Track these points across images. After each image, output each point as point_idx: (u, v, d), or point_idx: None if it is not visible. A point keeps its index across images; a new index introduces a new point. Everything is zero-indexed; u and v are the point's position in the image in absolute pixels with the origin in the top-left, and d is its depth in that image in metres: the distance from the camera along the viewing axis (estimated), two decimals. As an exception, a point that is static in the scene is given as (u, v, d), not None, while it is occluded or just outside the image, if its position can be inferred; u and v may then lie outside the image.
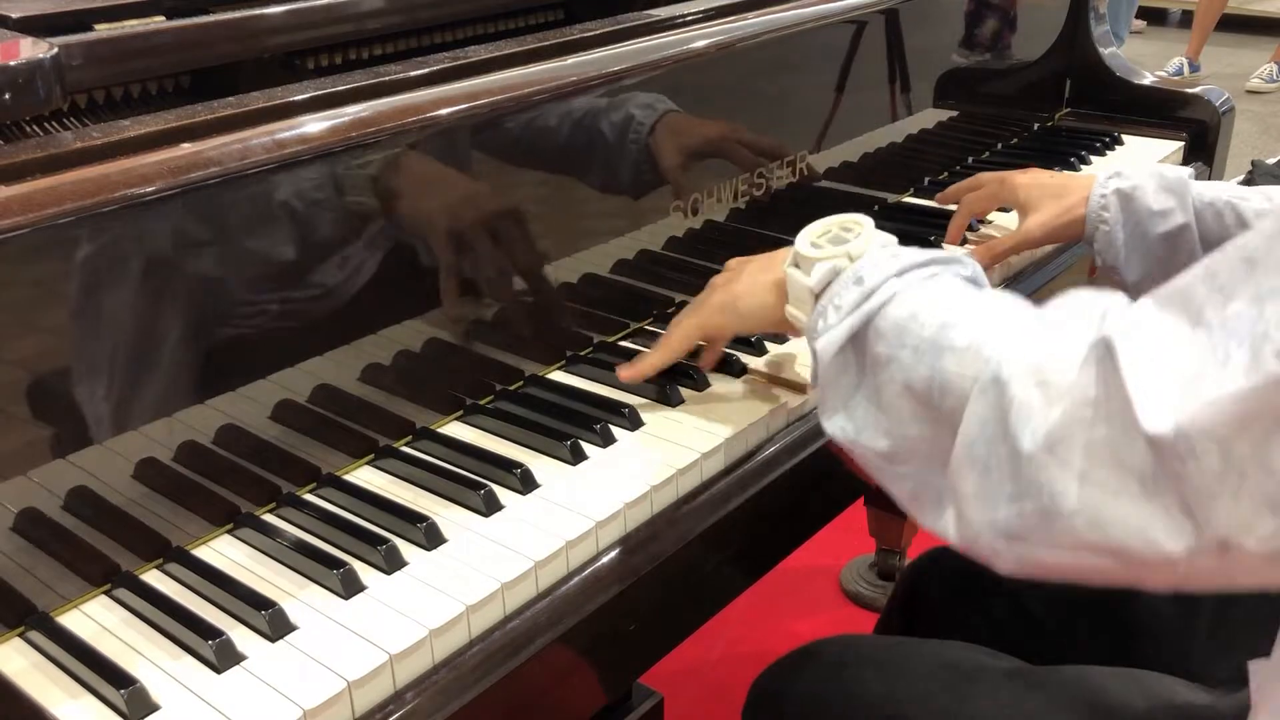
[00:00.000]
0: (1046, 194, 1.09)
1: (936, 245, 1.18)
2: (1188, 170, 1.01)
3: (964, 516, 0.60)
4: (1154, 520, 0.51)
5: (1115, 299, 0.58)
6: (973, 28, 1.40)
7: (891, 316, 0.68)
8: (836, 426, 0.72)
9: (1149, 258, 1.01)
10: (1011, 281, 1.16)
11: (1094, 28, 1.55)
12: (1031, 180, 1.12)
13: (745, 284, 0.87)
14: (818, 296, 0.75)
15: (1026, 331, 0.60)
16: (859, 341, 0.70)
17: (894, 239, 0.77)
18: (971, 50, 1.40)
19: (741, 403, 0.89)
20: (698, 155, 1.04)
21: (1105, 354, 0.53)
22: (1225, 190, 0.98)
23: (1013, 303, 0.66)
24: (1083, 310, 0.59)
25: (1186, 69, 4.86)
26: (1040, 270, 1.19)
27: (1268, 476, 0.48)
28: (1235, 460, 0.48)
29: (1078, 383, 0.54)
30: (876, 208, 1.29)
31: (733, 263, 0.92)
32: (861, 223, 0.79)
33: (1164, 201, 0.99)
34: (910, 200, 1.33)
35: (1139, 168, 1.03)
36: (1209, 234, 0.98)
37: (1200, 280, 0.52)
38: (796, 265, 0.79)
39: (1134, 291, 1.05)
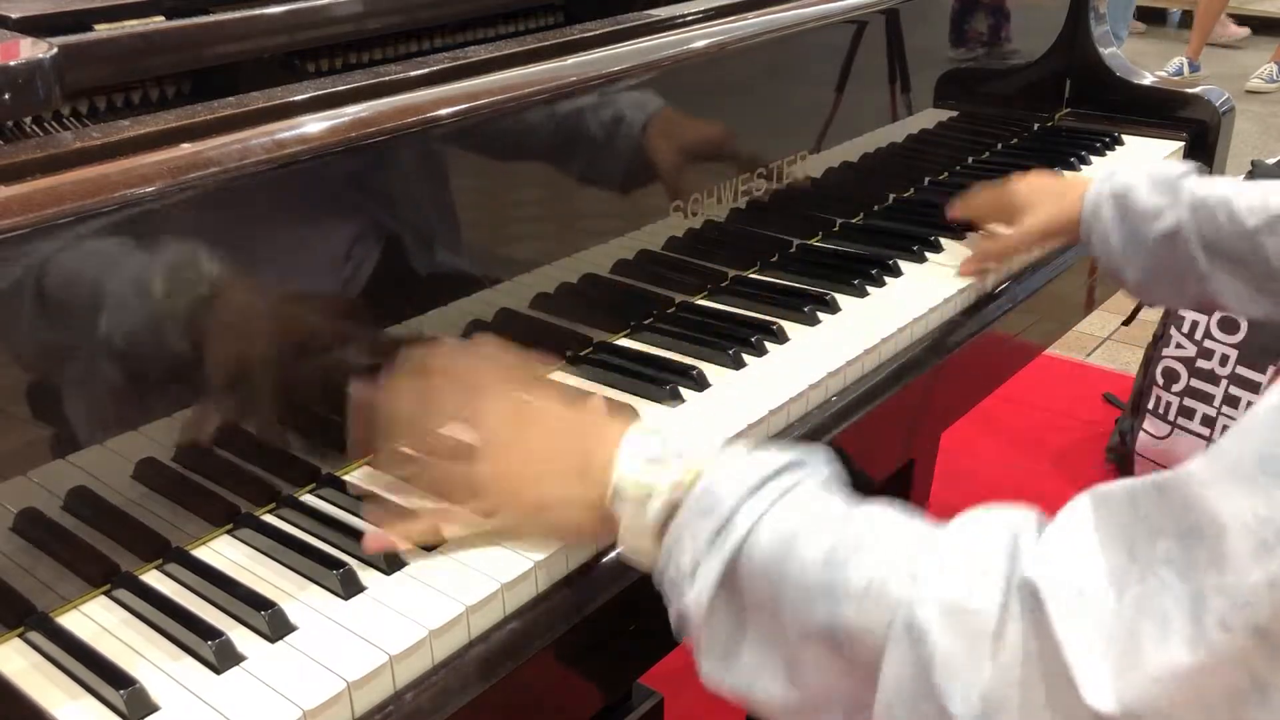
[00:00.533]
0: (1045, 195, 1.08)
1: (936, 246, 1.18)
2: (1184, 166, 1.00)
3: None
4: None
5: (1024, 519, 0.53)
6: (973, 27, 1.39)
7: (762, 552, 0.59)
8: (720, 678, 0.62)
9: (1148, 259, 1.00)
10: (1014, 281, 1.16)
11: (1094, 28, 1.55)
12: (1031, 182, 1.11)
13: (552, 492, 0.70)
14: (661, 533, 0.64)
15: (930, 560, 0.54)
16: (728, 584, 0.60)
17: (727, 451, 0.66)
18: (971, 50, 1.40)
19: (743, 403, 0.89)
20: (689, 155, 1.03)
21: (1033, 604, 0.48)
22: (1223, 186, 0.97)
23: (893, 518, 0.59)
24: (990, 534, 0.53)
25: (1186, 69, 4.86)
26: (1038, 271, 1.19)
27: None
28: None
29: (1006, 636, 0.49)
30: (876, 208, 1.29)
31: (495, 413, 0.73)
32: (681, 434, 0.68)
33: (1156, 200, 0.98)
34: (910, 198, 1.33)
35: (1135, 167, 1.02)
36: (1202, 232, 0.96)
37: (1124, 502, 0.48)
38: (622, 501, 0.66)
39: (1136, 291, 1.05)
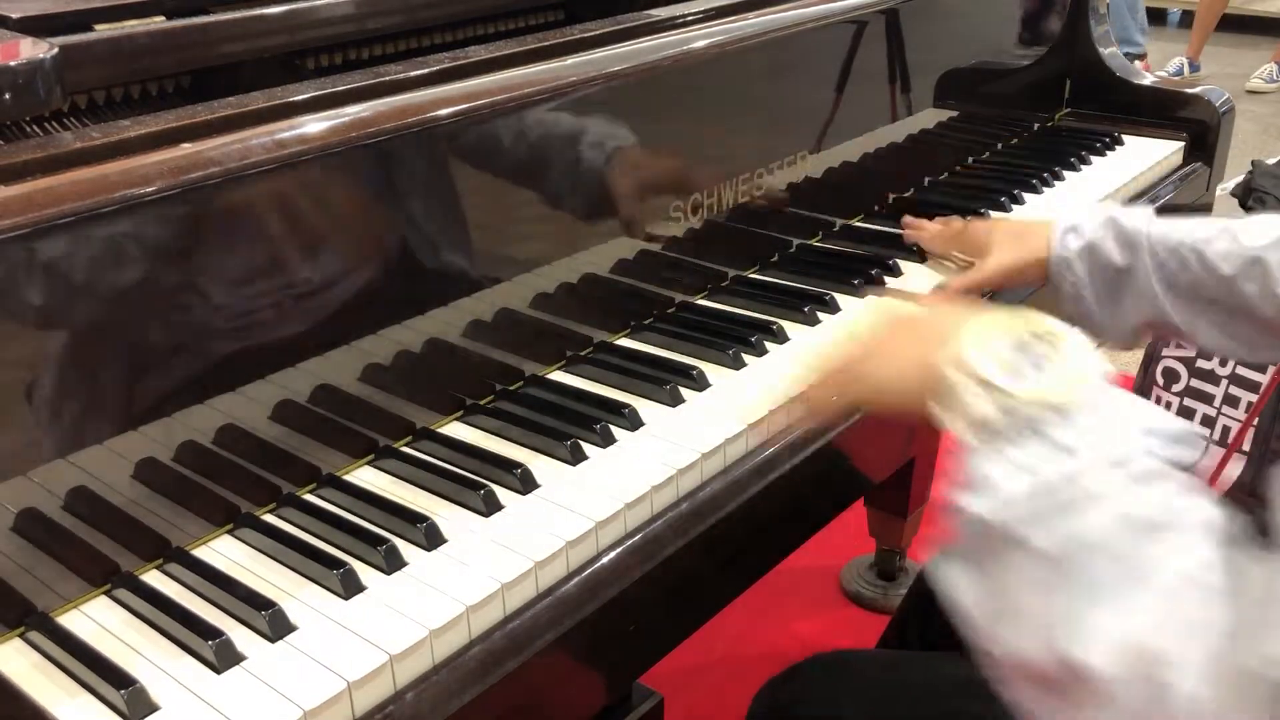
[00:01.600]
0: (1007, 237, 1.08)
1: (920, 254, 1.18)
2: (1145, 215, 0.99)
3: None
4: None
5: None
6: (973, 27, 1.40)
7: (1092, 526, 0.54)
8: (954, 580, 0.59)
9: (1116, 308, 1.00)
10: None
11: (1094, 28, 1.55)
12: (994, 224, 1.12)
13: (889, 351, 0.72)
14: (990, 429, 0.59)
15: (1215, 631, 0.51)
16: (1026, 525, 0.56)
17: (1106, 368, 0.60)
18: (971, 50, 1.40)
19: (743, 403, 0.89)
20: (690, 155, 1.03)
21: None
22: (1189, 232, 0.96)
23: (1212, 557, 0.53)
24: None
25: (1187, 69, 4.86)
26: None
27: None
28: None
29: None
30: (876, 208, 1.29)
31: (901, 325, 0.74)
32: (1060, 338, 0.61)
33: (1123, 254, 0.98)
34: (909, 198, 1.33)
35: (1096, 216, 1.01)
36: (1176, 280, 0.96)
37: None
38: (968, 379, 0.61)
39: (1100, 336, 1.03)
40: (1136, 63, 1.61)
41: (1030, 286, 1.09)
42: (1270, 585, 0.51)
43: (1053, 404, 0.58)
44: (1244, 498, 1.40)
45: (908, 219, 1.19)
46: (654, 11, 1.01)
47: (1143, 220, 0.98)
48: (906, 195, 1.34)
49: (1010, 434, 0.58)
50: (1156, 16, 5.93)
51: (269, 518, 0.77)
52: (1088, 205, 1.03)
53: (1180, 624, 0.51)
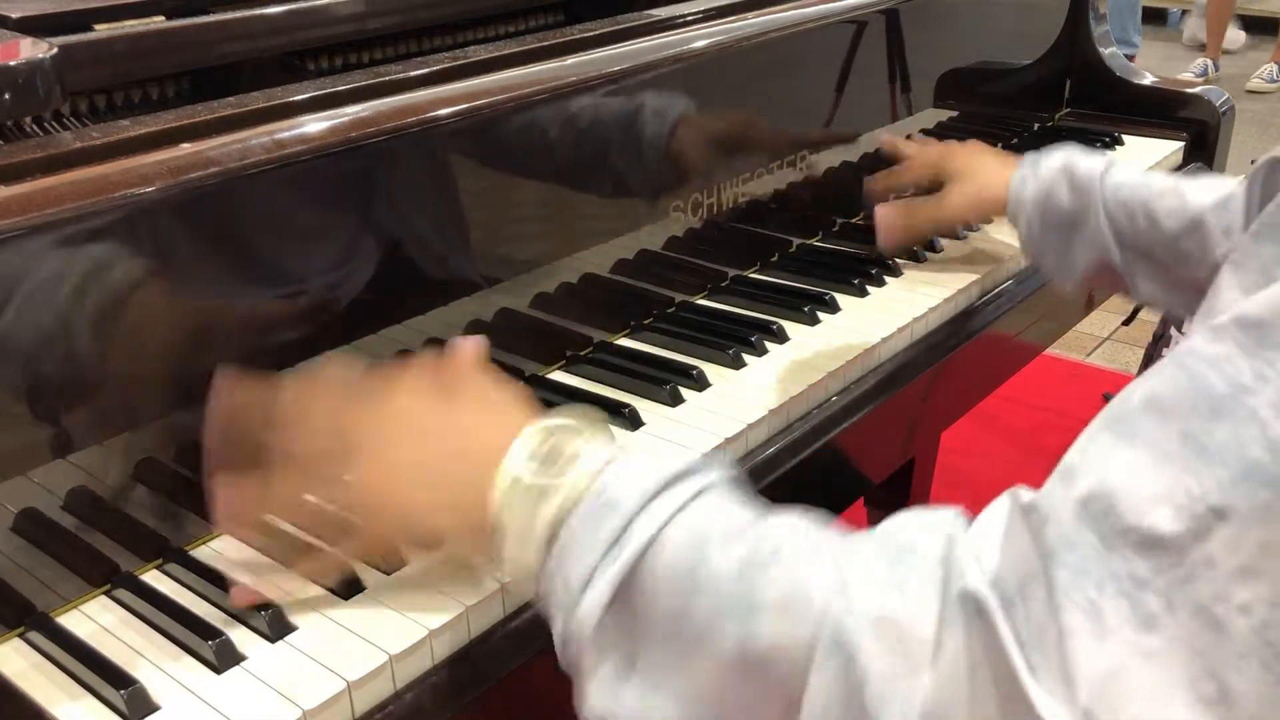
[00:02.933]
0: (972, 171, 1.11)
1: (935, 246, 1.18)
2: (1101, 162, 1.01)
3: None
4: None
5: (953, 521, 0.50)
6: (973, 27, 1.39)
7: (665, 564, 0.53)
8: (612, 710, 0.55)
9: (1065, 253, 1.03)
10: (1014, 281, 1.16)
11: (1094, 28, 1.55)
12: (964, 156, 1.14)
13: (422, 499, 0.63)
14: (549, 545, 0.57)
15: (857, 569, 0.50)
16: (625, 595, 0.54)
17: (624, 445, 0.61)
18: (972, 50, 1.40)
19: (743, 403, 0.89)
20: (710, 155, 1.04)
21: (975, 613, 0.45)
22: (1140, 187, 0.98)
23: (811, 526, 0.54)
24: (920, 540, 0.50)
25: (1211, 69, 4.88)
26: (1038, 272, 1.19)
27: None
28: None
29: (945, 648, 0.45)
30: (862, 215, 1.28)
31: (402, 397, 0.66)
32: (578, 436, 0.60)
33: (1074, 201, 1.01)
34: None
35: (1054, 160, 1.03)
36: (1124, 233, 0.98)
37: (1043, 503, 0.46)
38: (507, 507, 0.59)
39: (1057, 279, 1.06)
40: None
41: (983, 220, 1.16)
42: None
43: (577, 494, 0.57)
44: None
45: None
46: (654, 11, 1.01)
47: (1098, 167, 1.00)
48: (906, 195, 1.33)
49: (563, 532, 0.57)
50: (1157, 16, 5.93)
51: (269, 518, 0.77)
52: (1048, 149, 1.05)
53: (822, 576, 0.50)
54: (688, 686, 0.53)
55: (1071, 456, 0.47)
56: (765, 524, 0.55)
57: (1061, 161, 1.02)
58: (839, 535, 0.53)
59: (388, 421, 0.65)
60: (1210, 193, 0.93)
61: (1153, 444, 0.43)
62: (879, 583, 0.48)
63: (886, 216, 1.13)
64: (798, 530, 0.54)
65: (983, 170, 1.11)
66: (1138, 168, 1.41)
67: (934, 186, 1.16)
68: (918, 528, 0.51)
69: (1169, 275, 0.96)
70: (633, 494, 0.56)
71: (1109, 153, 1.05)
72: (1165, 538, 0.42)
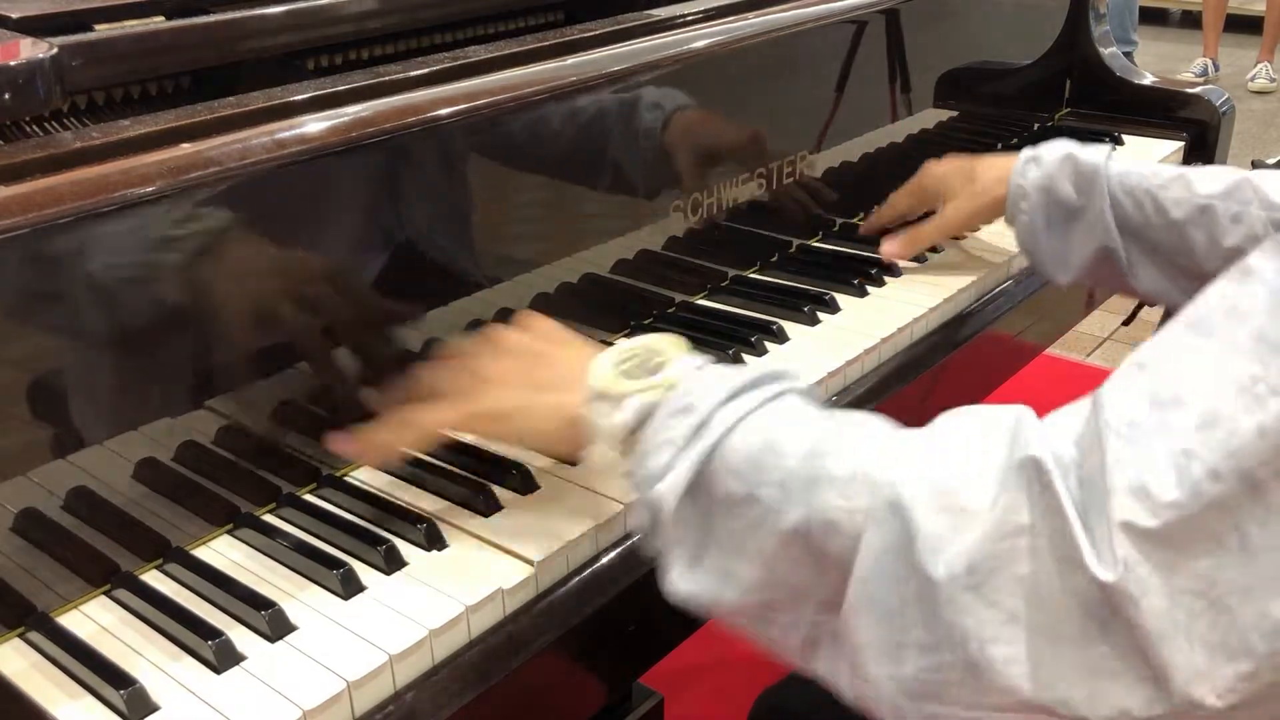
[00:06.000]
0: (960, 179, 1.10)
1: (936, 246, 1.18)
2: (1103, 151, 1.00)
3: (861, 670, 0.52)
4: (1105, 670, 0.45)
5: (1023, 413, 0.52)
6: (973, 27, 1.39)
7: (740, 448, 0.58)
8: (687, 588, 0.60)
9: (1065, 244, 1.02)
10: (1014, 281, 1.16)
11: (1094, 28, 1.55)
12: (946, 168, 1.13)
13: (527, 401, 0.71)
14: (632, 436, 0.64)
15: (921, 449, 0.53)
16: (701, 482, 0.59)
17: (709, 359, 0.66)
18: (971, 50, 1.40)
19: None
20: (709, 152, 1.04)
21: (1035, 477, 0.47)
22: (1146, 176, 0.97)
23: (880, 420, 0.58)
24: (987, 424, 0.52)
25: (1211, 69, 4.88)
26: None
27: (1218, 614, 0.44)
28: (1180, 596, 0.44)
29: (1002, 505, 0.47)
30: (876, 208, 1.28)
31: (500, 342, 0.75)
32: (666, 349, 0.68)
33: (1077, 189, 0.99)
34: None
35: (1055, 150, 1.02)
36: (1129, 221, 0.97)
37: (1119, 383, 0.49)
38: (598, 401, 0.66)
39: (1045, 269, 1.05)
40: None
41: (987, 223, 1.13)
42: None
43: (668, 385, 0.64)
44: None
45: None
46: (654, 11, 1.01)
47: (1101, 155, 0.99)
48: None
49: (648, 427, 0.63)
50: (1157, 16, 5.93)
51: (269, 518, 0.77)
52: (1048, 141, 1.04)
53: (886, 453, 0.54)
54: (753, 564, 0.57)
55: (1146, 349, 0.49)
56: (836, 417, 0.59)
57: (1064, 150, 1.02)
58: (908, 429, 0.56)
59: (488, 369, 0.73)
60: (1218, 181, 0.92)
61: (1228, 340, 0.46)
62: (939, 456, 0.51)
63: (892, 253, 1.12)
64: (868, 421, 0.58)
65: (972, 176, 1.10)
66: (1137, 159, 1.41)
67: (924, 211, 1.15)
68: (981, 415, 0.54)
69: (1174, 265, 0.96)
70: (713, 395, 0.60)
71: (1109, 144, 1.04)
72: (1223, 415, 0.44)
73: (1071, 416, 0.50)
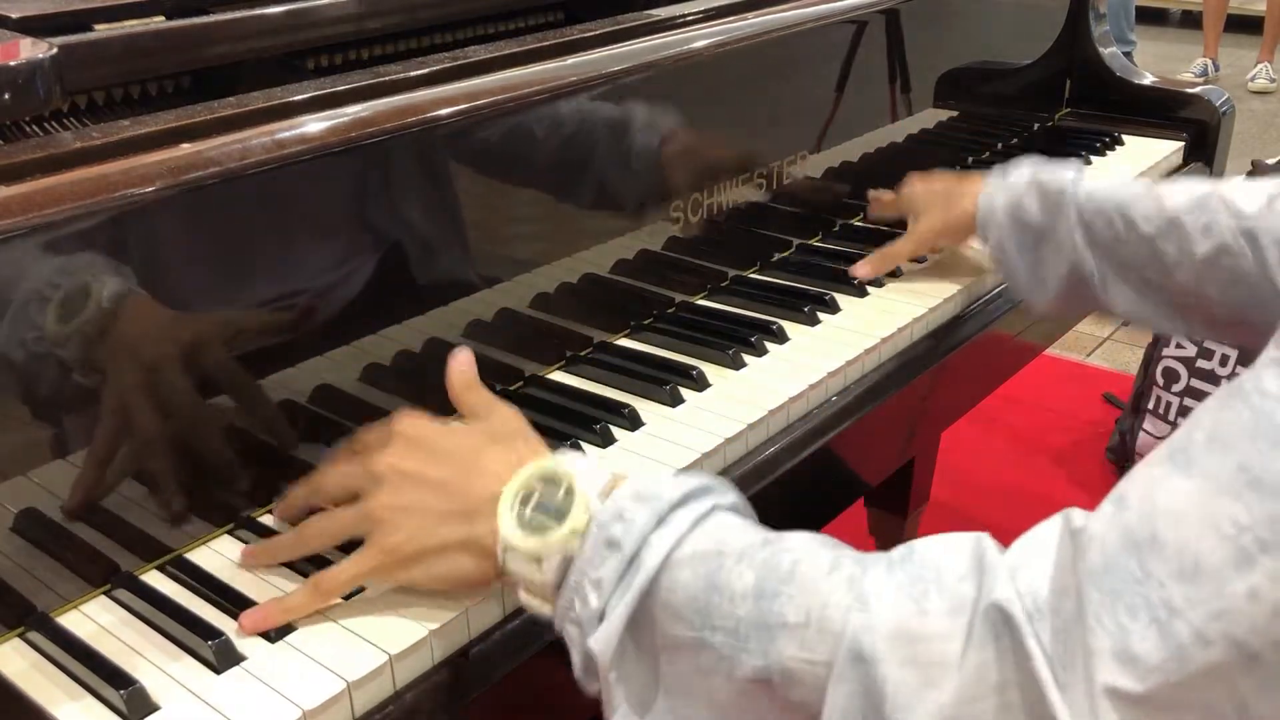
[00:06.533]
0: (935, 198, 1.10)
1: (920, 256, 1.18)
2: (1070, 171, 0.99)
3: None
4: None
5: (982, 545, 0.50)
6: (973, 27, 1.39)
7: (680, 588, 0.54)
8: None
9: (1036, 267, 1.01)
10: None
11: (1094, 28, 1.55)
12: (923, 187, 1.13)
13: (436, 539, 0.64)
14: (558, 587, 0.60)
15: (875, 586, 0.50)
16: (640, 626, 0.56)
17: (611, 475, 0.61)
18: (971, 50, 1.40)
19: (743, 403, 0.89)
20: (709, 161, 1.04)
21: (1004, 630, 0.45)
22: (1116, 193, 0.96)
23: (822, 545, 0.54)
24: (946, 562, 0.49)
25: (1211, 68, 4.88)
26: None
27: None
28: None
29: (972, 663, 0.45)
30: (862, 215, 1.29)
31: (384, 470, 0.66)
32: (562, 472, 0.61)
33: (1043, 210, 0.99)
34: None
35: (1021, 173, 1.02)
36: (1098, 239, 0.96)
37: (1096, 525, 0.46)
38: (511, 558, 0.61)
39: (1022, 293, 1.05)
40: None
41: (958, 243, 1.12)
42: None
43: (580, 529, 0.58)
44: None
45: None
46: (654, 11, 1.01)
47: (1069, 177, 0.99)
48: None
49: (571, 573, 0.58)
50: (1157, 16, 5.93)
51: (268, 519, 0.77)
52: (1016, 162, 1.04)
53: (840, 593, 0.51)
54: (708, 708, 0.54)
55: (1127, 483, 0.47)
56: (777, 543, 0.55)
57: (1030, 173, 1.01)
58: (854, 553, 0.53)
59: (379, 505, 0.66)
60: (1185, 194, 0.92)
61: (1209, 475, 0.43)
62: (899, 597, 0.48)
63: (863, 274, 1.10)
64: (811, 547, 0.54)
65: (945, 196, 1.09)
66: (1141, 165, 1.42)
67: (896, 222, 1.16)
68: (941, 546, 0.51)
69: (1146, 281, 0.95)
70: (640, 521, 0.56)
71: (1077, 163, 1.04)
72: (1205, 567, 0.41)
73: (1040, 547, 0.47)
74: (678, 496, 0.57)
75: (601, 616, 0.56)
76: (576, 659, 0.59)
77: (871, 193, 1.22)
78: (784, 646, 0.50)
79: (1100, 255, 0.97)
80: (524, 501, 0.62)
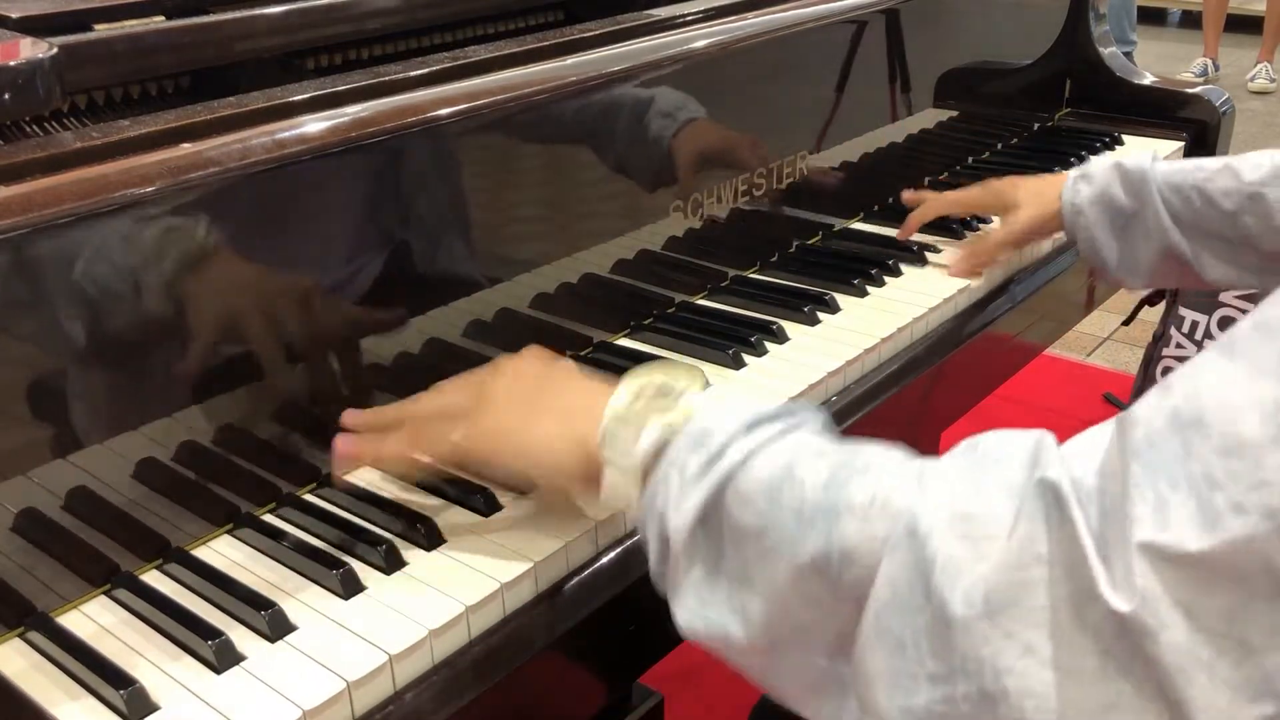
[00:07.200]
0: (1029, 194, 1.14)
1: (935, 246, 1.18)
2: (1147, 157, 1.04)
3: (869, 703, 0.51)
4: (1122, 707, 0.44)
5: (1043, 437, 0.51)
6: (973, 27, 1.40)
7: (756, 478, 0.57)
8: (695, 623, 0.59)
9: (1129, 250, 1.06)
10: (1013, 281, 1.16)
11: (1094, 28, 1.55)
12: (1015, 183, 1.16)
13: (539, 432, 0.69)
14: (646, 471, 0.63)
15: (941, 475, 0.52)
16: (713, 512, 0.58)
17: (727, 392, 0.67)
18: (971, 50, 1.40)
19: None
20: (714, 161, 1.04)
21: (1054, 504, 0.47)
22: (1190, 171, 1.02)
23: (898, 450, 0.57)
24: (1005, 451, 0.52)
25: (1211, 68, 4.88)
26: (1037, 271, 1.19)
27: (1242, 653, 0.42)
28: (1201, 633, 0.43)
29: (1020, 534, 0.47)
30: (876, 208, 1.29)
31: (510, 367, 0.73)
32: (681, 379, 0.67)
33: (1130, 195, 1.04)
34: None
35: (1103, 162, 1.08)
36: (1181, 218, 1.02)
37: (1142, 415, 0.47)
38: (616, 425, 0.65)
39: (1125, 281, 1.11)
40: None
41: (1052, 234, 1.15)
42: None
43: (686, 415, 0.63)
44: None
45: (908, 195, 1.22)
46: (654, 11, 1.01)
47: (1147, 158, 1.04)
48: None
49: (664, 457, 0.62)
50: (1157, 16, 5.93)
51: (269, 518, 0.77)
52: (1097, 157, 1.10)
53: (905, 480, 0.53)
54: (765, 599, 0.56)
55: (1173, 375, 0.48)
56: (854, 447, 0.58)
57: (1111, 161, 1.06)
58: (914, 454, 0.56)
59: (495, 388, 0.72)
60: (1262, 167, 0.97)
61: (1252, 359, 0.45)
62: (957, 482, 0.51)
63: (962, 273, 1.12)
64: (887, 452, 0.57)
65: (1039, 192, 1.13)
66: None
67: (972, 215, 1.22)
68: (1004, 438, 0.53)
69: (1235, 252, 1.00)
70: (728, 427, 0.60)
71: (1149, 151, 1.08)
72: (1247, 442, 0.43)
73: (1093, 441, 0.49)
74: (769, 412, 0.61)
75: (678, 504, 0.59)
76: (654, 548, 0.62)
77: (910, 195, 1.22)
78: (846, 525, 0.53)
79: (1187, 232, 1.02)
80: (638, 394, 0.66)
